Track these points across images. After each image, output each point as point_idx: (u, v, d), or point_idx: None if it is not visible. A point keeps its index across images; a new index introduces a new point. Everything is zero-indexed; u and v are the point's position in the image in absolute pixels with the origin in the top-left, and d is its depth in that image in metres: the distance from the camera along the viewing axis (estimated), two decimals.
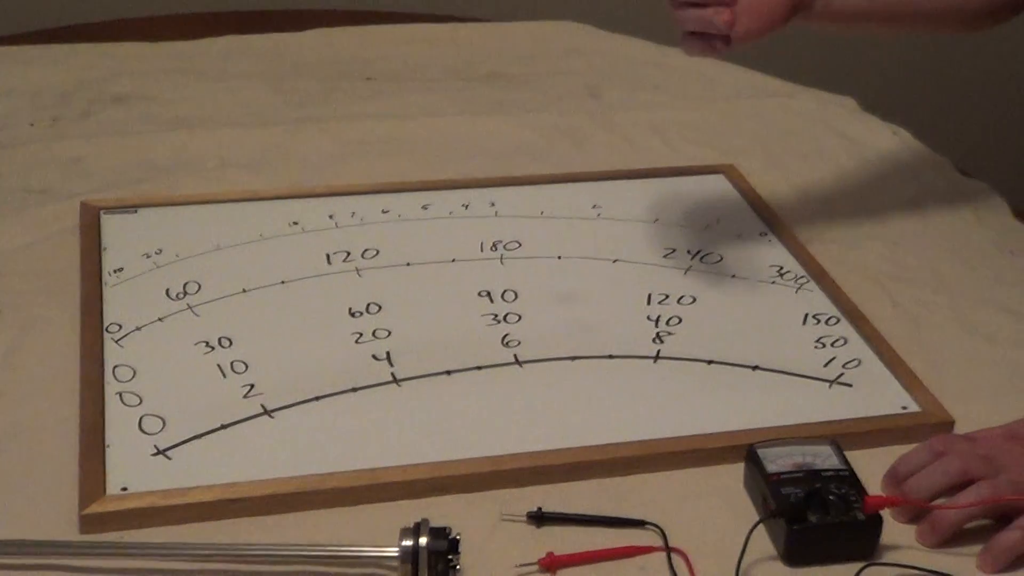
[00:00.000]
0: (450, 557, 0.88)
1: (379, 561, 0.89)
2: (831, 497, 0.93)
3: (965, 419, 1.05)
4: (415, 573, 0.87)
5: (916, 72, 2.58)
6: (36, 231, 1.25)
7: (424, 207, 1.32)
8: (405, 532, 0.89)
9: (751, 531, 0.91)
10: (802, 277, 1.23)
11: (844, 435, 1.01)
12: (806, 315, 1.17)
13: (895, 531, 0.94)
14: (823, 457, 0.97)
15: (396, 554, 0.88)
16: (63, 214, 1.28)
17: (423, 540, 0.88)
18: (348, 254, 1.23)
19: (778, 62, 1.67)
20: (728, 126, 1.54)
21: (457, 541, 0.89)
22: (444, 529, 0.89)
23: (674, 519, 0.95)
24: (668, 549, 0.92)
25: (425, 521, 0.90)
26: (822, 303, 1.19)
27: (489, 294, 1.18)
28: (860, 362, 1.11)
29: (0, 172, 1.36)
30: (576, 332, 1.13)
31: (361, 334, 1.12)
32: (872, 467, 0.99)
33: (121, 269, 1.19)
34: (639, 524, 0.94)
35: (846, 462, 0.96)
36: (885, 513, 0.93)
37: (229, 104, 1.53)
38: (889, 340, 1.14)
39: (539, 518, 0.94)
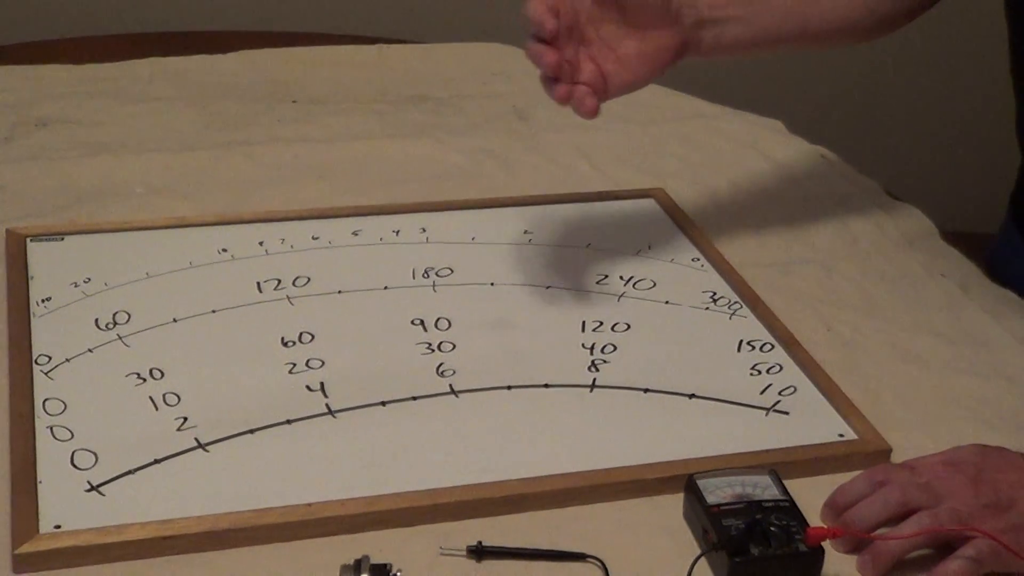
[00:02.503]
0: None
1: None
2: (772, 528, 0.93)
3: (902, 446, 1.06)
4: None
5: (843, 94, 2.60)
6: None
7: (354, 233, 1.31)
8: (346, 569, 0.88)
9: (693, 564, 0.91)
10: (735, 303, 1.23)
11: (781, 463, 1.01)
12: (740, 342, 1.18)
13: (836, 561, 0.94)
14: (763, 487, 0.97)
15: None
16: None
17: None
18: (279, 282, 1.22)
19: (705, 84, 1.68)
20: (656, 149, 1.54)
21: None
22: (385, 566, 0.89)
23: (614, 551, 0.94)
24: None
25: (366, 557, 0.89)
26: (756, 329, 1.19)
27: (423, 322, 1.17)
28: (796, 389, 1.11)
29: None
30: (511, 361, 1.13)
31: (294, 364, 1.11)
32: (810, 496, 0.98)
33: (49, 299, 1.17)
34: (580, 557, 0.94)
35: (786, 492, 0.96)
36: (825, 543, 0.93)
37: (154, 128, 1.51)
38: (824, 366, 1.14)
39: (479, 552, 0.93)
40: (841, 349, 1.19)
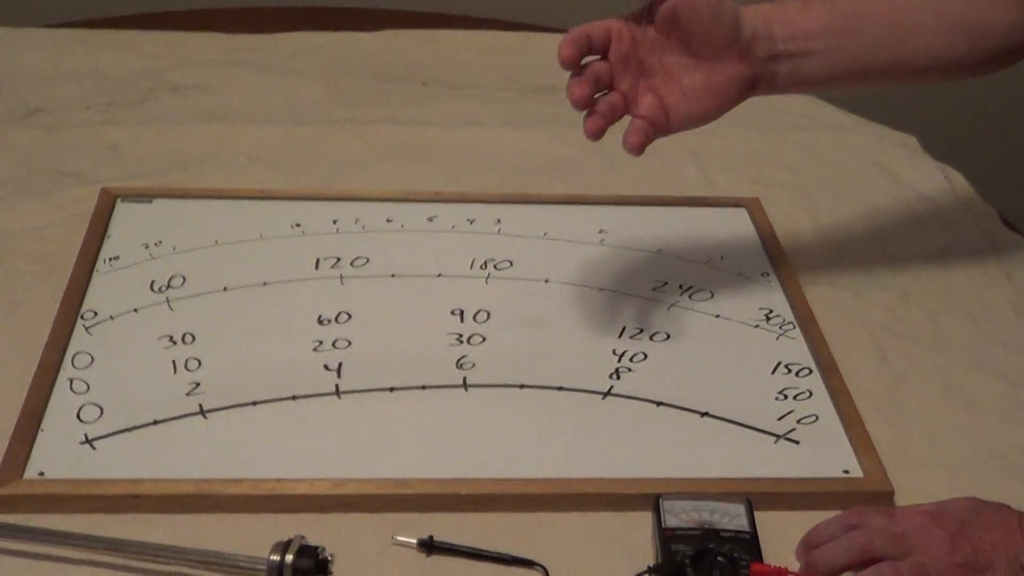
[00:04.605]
0: None
1: (248, 571, 0.90)
2: (720, 559, 0.90)
3: (911, 490, 1.01)
4: None
5: (985, 112, 2.42)
6: (53, 214, 1.29)
7: (430, 219, 1.31)
8: (277, 547, 0.90)
9: None
10: (788, 323, 1.18)
11: (770, 494, 0.98)
12: (778, 363, 1.13)
13: None
14: (731, 516, 0.94)
15: (264, 568, 0.89)
16: (84, 199, 1.30)
17: (289, 557, 0.89)
18: (338, 260, 1.24)
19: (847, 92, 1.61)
20: (771, 157, 1.49)
21: (327, 562, 0.90)
22: (315, 548, 0.90)
23: (568, 563, 0.93)
24: None
25: (298, 537, 0.91)
26: (799, 353, 1.15)
27: (462, 313, 1.17)
28: (817, 418, 1.07)
29: (41, 153, 1.40)
30: (534, 360, 1.12)
31: (321, 342, 1.12)
32: (798, 531, 0.94)
33: (117, 257, 1.22)
34: (527, 563, 0.93)
35: (753, 525, 0.93)
36: None
37: (278, 101, 1.54)
38: (862, 398, 1.09)
39: (429, 546, 0.94)
40: (889, 382, 1.13)
